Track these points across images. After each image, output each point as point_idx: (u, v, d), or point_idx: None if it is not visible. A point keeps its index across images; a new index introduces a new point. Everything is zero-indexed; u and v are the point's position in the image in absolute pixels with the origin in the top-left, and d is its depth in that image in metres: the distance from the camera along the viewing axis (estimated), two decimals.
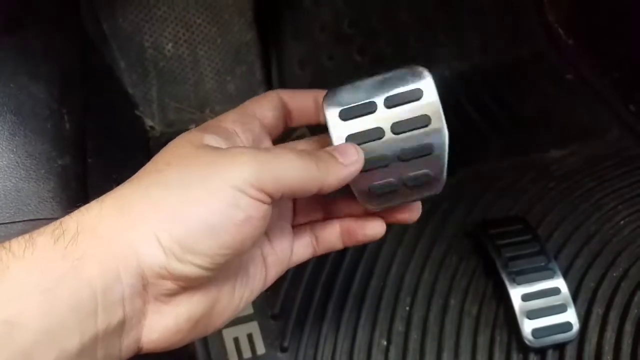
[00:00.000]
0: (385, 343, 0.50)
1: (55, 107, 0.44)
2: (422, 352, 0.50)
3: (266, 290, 0.52)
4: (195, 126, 0.33)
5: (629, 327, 0.50)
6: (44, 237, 0.26)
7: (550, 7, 0.80)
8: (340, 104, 0.33)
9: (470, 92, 0.75)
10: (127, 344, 0.27)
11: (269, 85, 0.71)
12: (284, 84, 0.71)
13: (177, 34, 0.65)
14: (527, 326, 0.48)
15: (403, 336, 0.51)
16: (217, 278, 0.30)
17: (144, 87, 0.66)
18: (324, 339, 0.50)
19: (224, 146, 0.31)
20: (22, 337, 0.23)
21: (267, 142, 0.36)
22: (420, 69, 0.33)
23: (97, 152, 0.46)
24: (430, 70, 0.33)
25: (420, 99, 0.33)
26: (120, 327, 0.27)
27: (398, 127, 0.33)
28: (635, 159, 0.65)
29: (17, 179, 0.39)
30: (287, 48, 0.73)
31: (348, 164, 0.32)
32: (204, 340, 0.50)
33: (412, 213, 0.37)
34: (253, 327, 0.51)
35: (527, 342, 0.48)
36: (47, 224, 0.27)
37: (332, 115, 0.33)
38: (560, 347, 0.49)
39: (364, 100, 0.33)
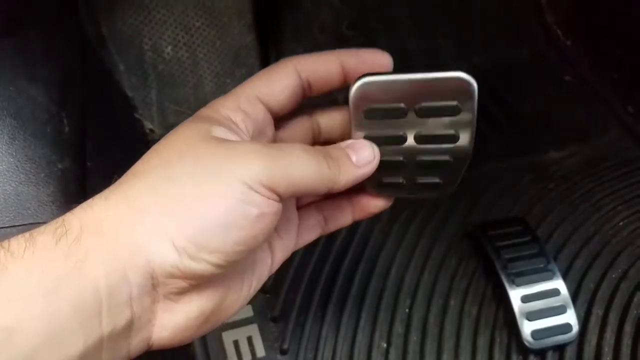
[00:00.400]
0: (385, 345, 0.50)
1: (54, 111, 0.44)
2: (422, 353, 0.50)
3: (266, 293, 0.53)
4: None
5: (628, 328, 0.50)
6: (45, 236, 0.24)
7: (549, 8, 0.80)
8: (368, 100, 0.30)
9: None
10: (135, 344, 0.27)
11: None
12: None
13: (177, 37, 0.65)
14: (527, 327, 0.48)
15: (403, 338, 0.51)
16: (227, 273, 0.29)
17: (143, 90, 0.66)
18: (324, 341, 0.50)
19: (231, 138, 0.29)
20: (22, 343, 0.22)
21: (270, 130, 0.33)
22: (467, 79, 0.29)
23: (96, 156, 0.46)
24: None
25: (456, 115, 0.30)
26: (128, 328, 0.26)
27: (423, 140, 0.31)
28: (634, 159, 0.65)
29: (16, 183, 0.39)
30: (287, 50, 0.73)
31: (362, 165, 0.30)
32: (204, 343, 0.50)
33: None
34: (253, 330, 0.51)
35: (526, 343, 0.48)
36: None
37: (357, 111, 0.30)
38: (559, 348, 0.49)
39: (395, 103, 0.30)
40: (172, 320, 0.28)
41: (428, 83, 0.29)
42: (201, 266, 0.26)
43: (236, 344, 0.50)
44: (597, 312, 0.52)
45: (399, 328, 0.51)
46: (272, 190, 0.27)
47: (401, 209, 0.59)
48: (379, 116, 0.30)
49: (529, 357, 0.49)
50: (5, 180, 0.39)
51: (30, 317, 0.23)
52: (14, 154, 0.40)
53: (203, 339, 0.50)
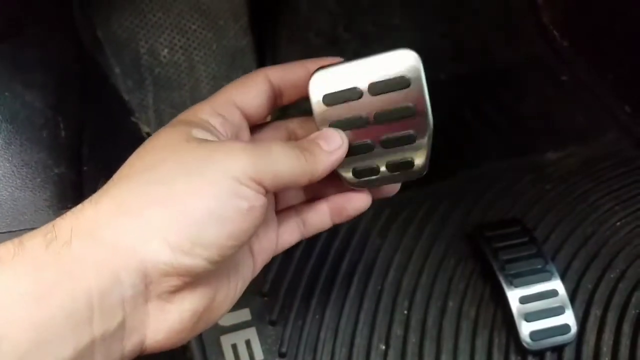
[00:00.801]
0: (383, 347, 0.50)
1: (50, 115, 0.44)
2: (421, 355, 0.50)
3: (264, 296, 0.53)
4: None
5: (626, 329, 0.50)
6: (34, 242, 0.24)
7: (545, 8, 0.80)
8: (325, 89, 0.33)
9: (466, 95, 0.75)
10: (129, 346, 0.27)
11: None
12: None
13: (173, 40, 0.65)
14: (525, 328, 0.48)
15: (401, 340, 0.51)
16: (216, 271, 0.29)
17: (139, 93, 0.66)
18: (322, 344, 0.50)
19: (211, 139, 0.30)
20: (10, 350, 0.22)
21: (245, 134, 0.34)
22: (408, 53, 0.32)
23: (93, 160, 0.46)
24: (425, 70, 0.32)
25: (406, 87, 0.32)
26: (121, 330, 0.26)
27: (383, 117, 0.33)
28: (631, 160, 0.65)
29: (13, 188, 0.39)
30: (283, 53, 0.73)
31: (333, 150, 0.32)
32: (202, 346, 0.50)
33: (393, 186, 0.37)
34: (251, 333, 0.51)
35: (525, 344, 0.48)
36: None
37: (316, 100, 0.33)
38: (558, 349, 0.49)
39: (349, 85, 0.32)
40: (166, 321, 0.28)
41: (375, 63, 0.32)
42: (196, 262, 0.26)
43: (234, 347, 0.50)
44: (596, 312, 0.52)
45: (397, 330, 0.51)
46: (260, 183, 0.28)
47: (400, 209, 0.59)
48: (338, 101, 0.33)
49: (528, 358, 0.49)
50: (1, 185, 0.39)
51: (18, 324, 0.22)
52: (10, 159, 0.40)
53: (201, 342, 0.50)
